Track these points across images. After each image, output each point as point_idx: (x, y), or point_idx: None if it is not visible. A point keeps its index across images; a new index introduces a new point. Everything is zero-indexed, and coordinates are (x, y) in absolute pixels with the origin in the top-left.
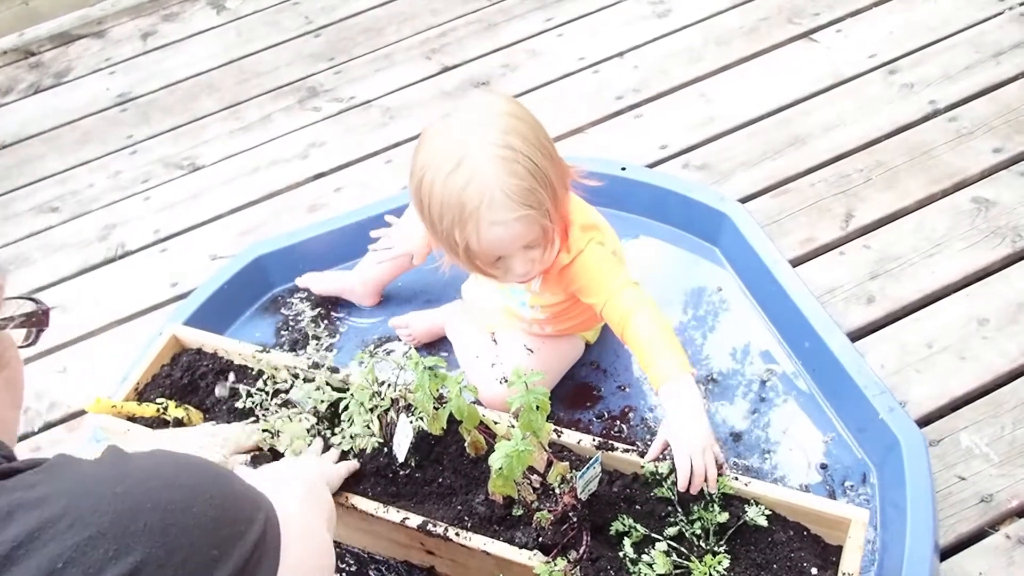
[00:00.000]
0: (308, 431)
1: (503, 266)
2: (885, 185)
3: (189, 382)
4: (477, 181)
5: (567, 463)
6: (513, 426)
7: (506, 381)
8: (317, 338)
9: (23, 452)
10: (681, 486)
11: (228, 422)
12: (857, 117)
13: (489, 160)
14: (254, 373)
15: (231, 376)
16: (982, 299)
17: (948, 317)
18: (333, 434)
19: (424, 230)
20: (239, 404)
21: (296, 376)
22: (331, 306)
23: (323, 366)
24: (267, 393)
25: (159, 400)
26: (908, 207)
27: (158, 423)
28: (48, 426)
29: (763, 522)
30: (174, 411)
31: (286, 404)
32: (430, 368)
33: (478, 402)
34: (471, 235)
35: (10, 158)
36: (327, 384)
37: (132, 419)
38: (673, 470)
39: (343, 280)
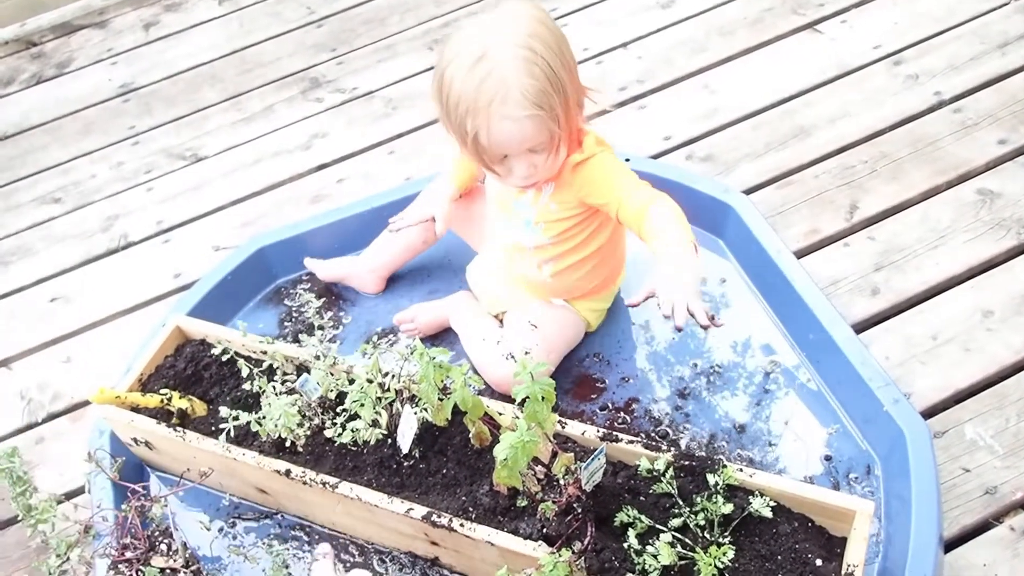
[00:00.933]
0: (300, 413)
1: (507, 165)
2: (890, 176)
3: (193, 373)
4: (496, 76)
5: (572, 454)
6: (518, 417)
7: (512, 358)
8: (321, 328)
9: (28, 443)
10: (665, 311)
11: (232, 410)
12: (862, 108)
13: (510, 58)
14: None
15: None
16: (987, 291)
17: (953, 309)
18: (334, 424)
19: (446, 190)
20: (245, 387)
21: (300, 367)
22: (335, 297)
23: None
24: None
25: (163, 391)
26: (913, 199)
27: (162, 414)
28: (51, 417)
29: (768, 514)
30: (178, 402)
31: (290, 392)
32: (434, 359)
33: (483, 393)
34: (481, 127)
35: (12, 149)
36: (334, 373)
37: (136, 410)
38: (670, 465)
39: (351, 265)
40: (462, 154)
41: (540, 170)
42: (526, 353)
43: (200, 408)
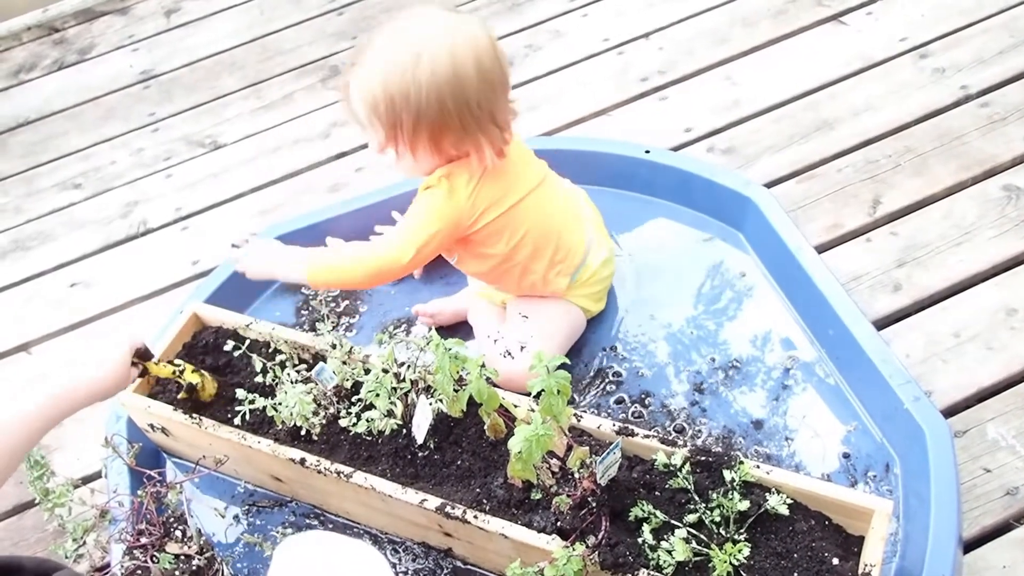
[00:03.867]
0: (315, 402)
1: None
2: (914, 171)
3: (211, 361)
4: (376, 52)
5: (587, 448)
6: (533, 410)
7: (509, 354)
8: (338, 317)
9: None
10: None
11: (249, 398)
12: (886, 102)
13: (396, 56)
14: (271, 352)
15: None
16: (1011, 289)
17: (976, 306)
18: (349, 413)
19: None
20: (258, 379)
21: (315, 355)
22: None
23: (350, 347)
24: (283, 367)
25: (176, 361)
26: (937, 194)
27: (177, 397)
28: None
29: (784, 511)
30: (190, 375)
31: (306, 381)
32: (450, 350)
33: (498, 385)
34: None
35: (33, 134)
36: (349, 363)
37: (144, 375)
38: (686, 460)
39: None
40: None
41: (394, 162)
42: (522, 348)
43: (211, 386)
